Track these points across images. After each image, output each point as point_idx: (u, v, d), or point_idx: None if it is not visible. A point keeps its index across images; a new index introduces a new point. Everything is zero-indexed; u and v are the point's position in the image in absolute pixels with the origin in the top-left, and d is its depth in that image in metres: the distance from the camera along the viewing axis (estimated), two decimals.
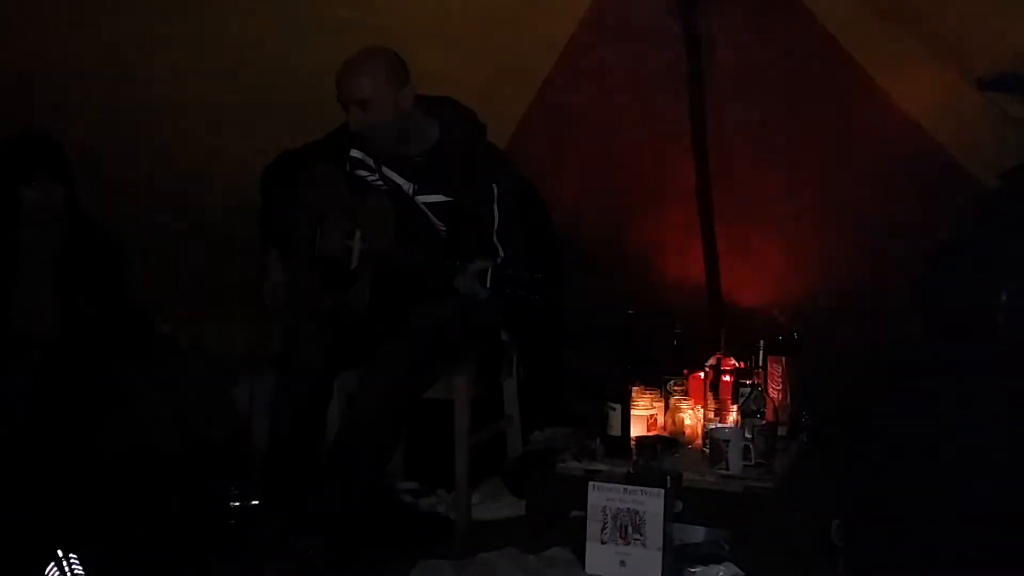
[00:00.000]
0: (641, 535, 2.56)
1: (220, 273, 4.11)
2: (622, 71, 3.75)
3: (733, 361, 3.09)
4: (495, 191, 3.07)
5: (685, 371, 3.14)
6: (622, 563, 2.58)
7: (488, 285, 2.85)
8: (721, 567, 2.60)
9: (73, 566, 2.48)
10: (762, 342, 3.08)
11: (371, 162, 3.15)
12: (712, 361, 3.11)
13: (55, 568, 2.47)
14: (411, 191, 3.13)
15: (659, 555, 2.55)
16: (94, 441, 3.24)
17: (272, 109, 3.66)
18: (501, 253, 3.03)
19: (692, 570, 2.58)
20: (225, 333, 4.07)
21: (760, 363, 3.06)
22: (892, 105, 3.49)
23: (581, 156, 3.96)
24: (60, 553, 2.48)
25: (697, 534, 2.82)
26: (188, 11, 3.40)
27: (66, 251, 3.35)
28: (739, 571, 2.61)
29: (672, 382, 3.10)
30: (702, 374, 3.11)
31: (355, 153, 3.18)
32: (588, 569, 2.61)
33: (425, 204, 3.12)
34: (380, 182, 3.17)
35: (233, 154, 3.74)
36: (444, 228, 3.12)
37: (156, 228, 4.01)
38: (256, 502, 2.98)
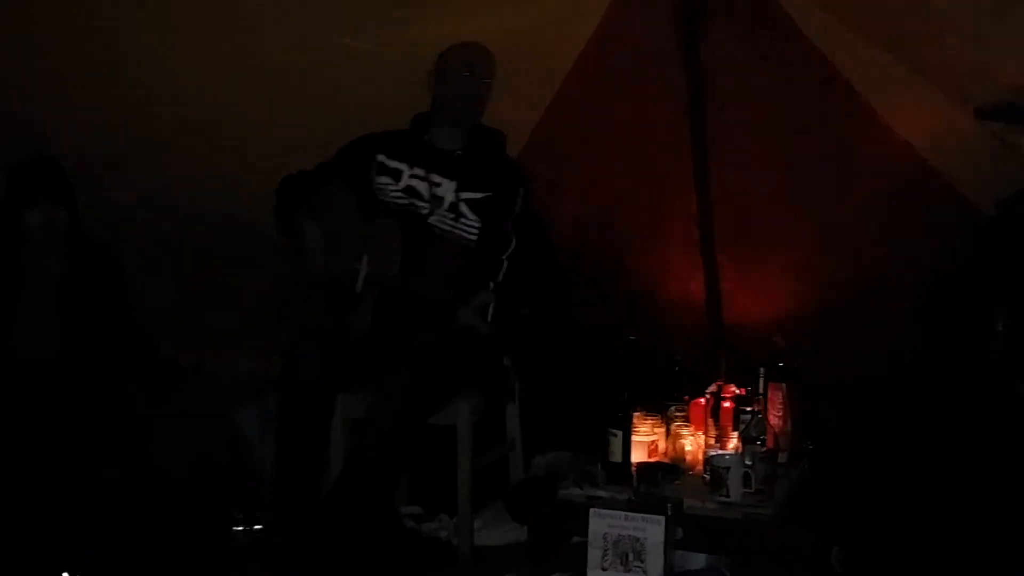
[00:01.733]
0: (642, 562, 2.57)
1: (224, 295, 4.12)
2: (624, 97, 3.78)
3: (734, 388, 3.10)
4: (521, 192, 3.25)
5: (686, 397, 3.14)
6: None
7: (489, 319, 2.89)
8: None
9: None
10: (762, 369, 3.09)
11: (402, 168, 3.23)
12: (713, 388, 3.12)
13: None
14: (454, 189, 3.20)
15: None
16: (97, 463, 3.24)
17: (273, 132, 3.68)
18: (512, 242, 3.16)
19: None
20: (229, 356, 4.07)
21: (761, 390, 3.07)
22: (891, 132, 3.52)
23: (582, 180, 3.99)
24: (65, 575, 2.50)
25: (698, 561, 2.83)
26: (187, 26, 3.39)
27: (68, 274, 3.35)
28: None
29: (673, 408, 3.11)
30: (703, 400, 3.12)
31: (382, 159, 3.23)
32: None
33: (466, 201, 3.20)
34: (401, 194, 3.21)
35: (236, 177, 3.75)
36: (478, 222, 3.19)
37: (158, 250, 4.01)
38: (259, 526, 2.99)
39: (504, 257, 3.17)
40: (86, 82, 3.54)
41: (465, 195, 3.21)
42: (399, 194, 3.23)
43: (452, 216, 3.21)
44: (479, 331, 2.95)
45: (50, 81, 3.55)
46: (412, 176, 3.24)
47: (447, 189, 3.22)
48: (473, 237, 3.21)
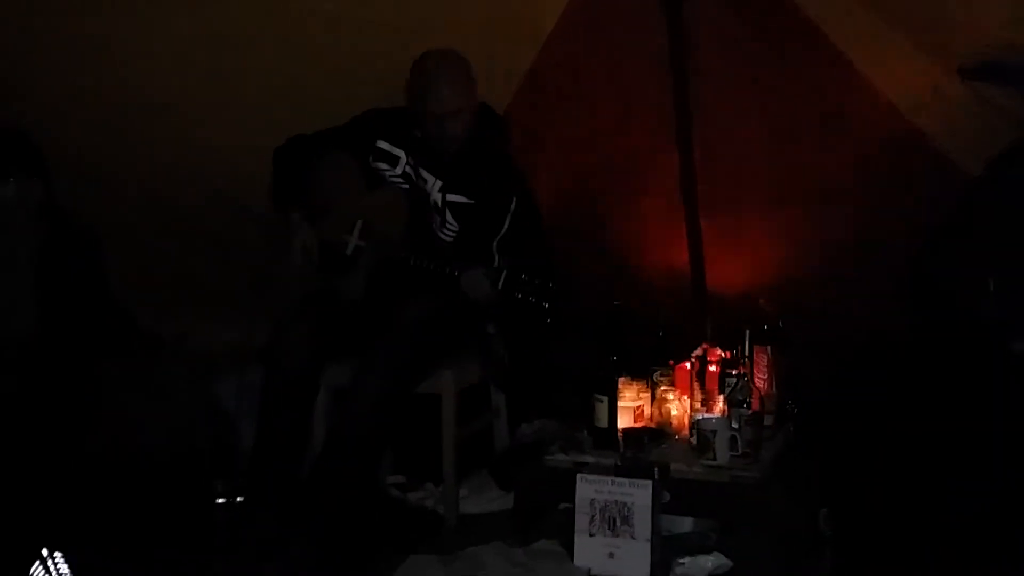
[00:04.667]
0: (629, 527, 2.57)
1: (204, 269, 4.08)
2: (605, 62, 3.75)
3: (719, 351, 3.09)
4: (513, 204, 3.14)
5: (671, 362, 3.13)
6: (611, 555, 2.59)
7: (500, 287, 2.87)
8: (709, 557, 2.61)
9: (58, 565, 2.47)
10: (748, 332, 3.08)
11: (400, 154, 3.18)
12: (698, 352, 3.11)
13: (40, 567, 2.45)
14: (439, 188, 3.15)
15: (647, 546, 2.56)
16: (77, 440, 3.21)
17: (255, 105, 3.63)
18: (496, 262, 3.07)
19: (680, 561, 2.59)
20: (210, 329, 4.04)
21: (746, 353, 3.06)
22: (875, 93, 3.49)
23: (564, 148, 3.95)
24: (45, 552, 2.46)
25: (685, 525, 2.83)
26: (171, 4, 3.36)
27: (44, 249, 3.31)
28: (727, 561, 2.62)
29: (658, 373, 3.10)
30: (688, 365, 3.11)
31: (382, 144, 3.18)
32: (577, 561, 2.62)
33: (451, 204, 3.15)
34: (399, 179, 3.18)
35: (215, 150, 3.71)
36: (457, 227, 3.15)
37: (137, 224, 3.97)
38: (241, 499, 2.98)
39: (495, 241, 3.14)
40: (61, 53, 3.50)
41: (451, 196, 3.17)
42: (398, 179, 3.21)
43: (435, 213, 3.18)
44: (484, 296, 2.93)
45: (22, 53, 3.50)
46: (408, 164, 3.20)
47: (433, 187, 3.18)
48: (449, 240, 3.17)
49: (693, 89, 3.67)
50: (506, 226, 3.13)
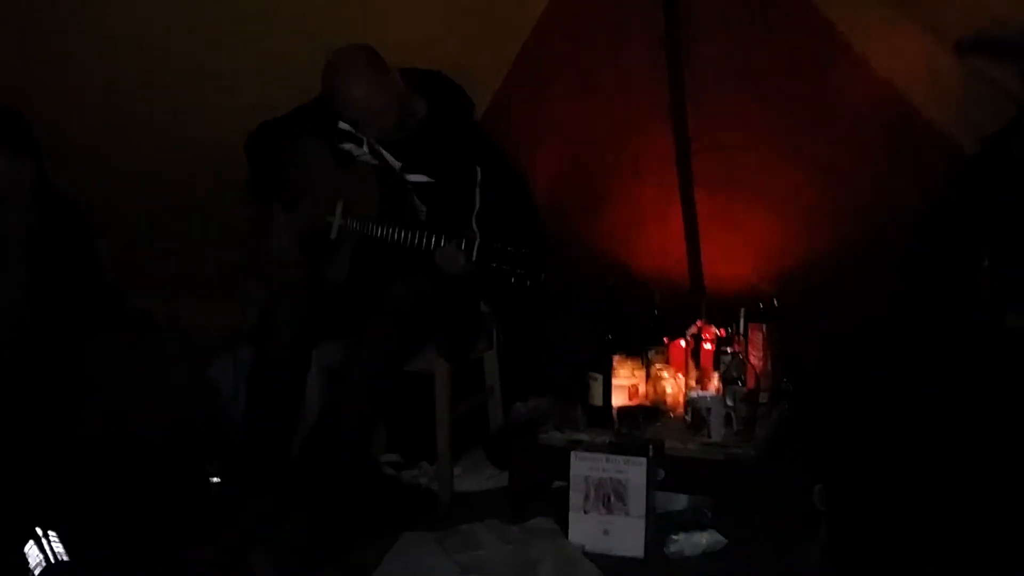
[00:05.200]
0: (624, 504, 2.57)
1: (197, 248, 4.07)
2: (599, 40, 3.72)
3: (714, 329, 3.09)
4: (478, 174, 3.07)
5: (666, 340, 3.13)
6: (605, 532, 2.59)
7: (474, 259, 2.82)
8: (704, 534, 2.62)
9: (52, 542, 2.47)
10: (743, 310, 3.08)
11: (362, 136, 3.13)
12: (693, 329, 3.11)
13: (34, 545, 2.45)
14: (400, 169, 3.11)
15: (642, 523, 2.56)
16: (70, 419, 3.20)
17: (249, 86, 3.61)
18: (478, 238, 3.01)
19: (675, 537, 2.59)
20: (203, 309, 4.03)
21: (741, 331, 3.05)
22: (870, 69, 3.47)
23: (559, 126, 3.93)
24: (39, 531, 2.46)
25: (679, 502, 2.84)
26: None
27: (35, 227, 3.29)
28: (721, 538, 2.62)
29: (653, 351, 3.09)
30: (683, 342, 3.11)
31: (343, 126, 3.15)
32: (571, 538, 2.62)
33: (412, 184, 3.12)
34: (368, 156, 3.16)
35: (207, 128, 3.68)
36: (424, 209, 3.11)
37: (129, 203, 3.95)
38: (234, 479, 2.97)
39: (472, 218, 3.09)
40: (50, 32, 3.47)
41: (412, 177, 3.13)
42: (367, 157, 3.18)
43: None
44: (461, 270, 2.89)
45: (16, 32, 3.48)
46: (368, 145, 3.16)
47: (398, 169, 3.15)
48: (420, 219, 3.14)
49: (688, 68, 3.65)
50: (478, 200, 3.07)
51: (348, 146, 3.17)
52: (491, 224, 3.06)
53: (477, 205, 3.08)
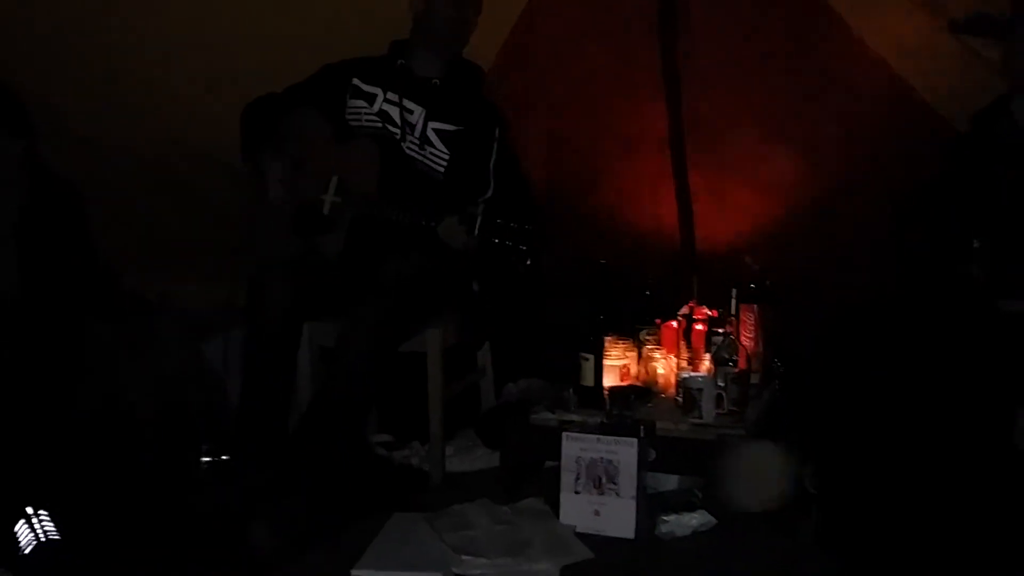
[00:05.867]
0: (615, 484, 2.57)
1: (189, 228, 4.06)
2: (593, 17, 3.70)
3: (706, 310, 3.09)
4: (496, 132, 3.18)
5: (658, 320, 3.13)
6: (596, 512, 2.59)
7: (476, 233, 2.82)
8: (694, 515, 2.61)
9: (43, 522, 2.47)
10: (734, 290, 3.08)
11: (376, 91, 3.17)
12: (685, 310, 3.11)
13: (25, 525, 2.45)
14: (424, 117, 3.14)
15: (633, 504, 2.56)
16: (63, 399, 3.20)
17: (246, 68, 3.58)
18: (491, 188, 3.11)
19: (666, 518, 2.60)
20: (196, 289, 4.02)
21: (733, 311, 3.06)
22: (865, 49, 3.45)
23: (551, 105, 3.91)
24: (30, 510, 2.46)
25: (671, 482, 2.84)
26: None
27: (27, 207, 3.28)
28: (712, 519, 2.62)
29: (645, 331, 3.10)
30: (675, 323, 3.11)
31: (357, 83, 3.18)
32: (562, 519, 2.62)
33: (435, 131, 3.15)
34: (375, 118, 3.16)
35: (198, 106, 3.66)
36: (448, 154, 3.13)
37: (121, 182, 3.94)
38: (227, 457, 2.97)
39: (481, 200, 3.11)
40: (43, 8, 3.44)
41: (434, 124, 3.15)
42: (373, 118, 3.18)
43: (419, 143, 3.14)
44: (463, 245, 2.89)
45: (9, 10, 3.45)
46: (386, 101, 3.18)
47: (418, 116, 3.16)
48: (440, 168, 3.15)
49: (682, 45, 3.63)
50: (494, 153, 3.17)
51: (359, 103, 3.19)
52: (502, 178, 3.15)
53: (494, 157, 3.16)
